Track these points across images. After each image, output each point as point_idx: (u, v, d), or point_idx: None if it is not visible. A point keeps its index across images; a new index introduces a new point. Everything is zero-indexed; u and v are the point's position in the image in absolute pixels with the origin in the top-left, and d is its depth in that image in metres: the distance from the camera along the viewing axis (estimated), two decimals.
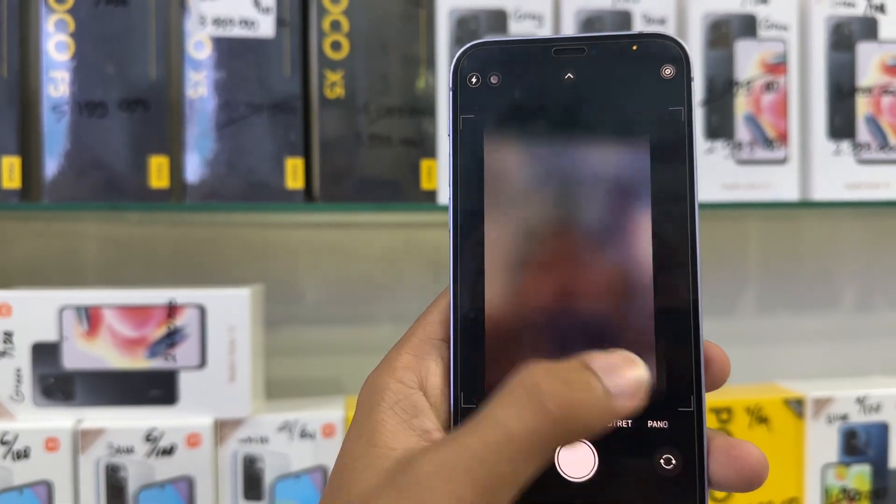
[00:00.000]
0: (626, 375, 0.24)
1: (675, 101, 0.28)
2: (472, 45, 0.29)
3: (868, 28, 0.73)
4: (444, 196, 0.68)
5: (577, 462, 0.26)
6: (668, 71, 0.28)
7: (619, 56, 0.28)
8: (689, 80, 0.28)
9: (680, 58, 0.28)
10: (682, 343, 0.27)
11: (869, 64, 0.73)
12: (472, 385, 0.27)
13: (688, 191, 0.27)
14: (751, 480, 0.26)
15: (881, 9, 0.73)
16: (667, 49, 0.28)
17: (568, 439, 0.24)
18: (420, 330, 0.29)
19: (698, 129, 0.71)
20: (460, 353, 0.28)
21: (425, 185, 0.69)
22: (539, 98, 0.29)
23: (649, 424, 0.26)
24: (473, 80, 0.29)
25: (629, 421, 0.26)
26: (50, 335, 0.63)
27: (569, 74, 0.29)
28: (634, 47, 0.28)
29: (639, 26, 0.70)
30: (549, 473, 0.26)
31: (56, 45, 0.65)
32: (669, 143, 0.28)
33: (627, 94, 0.28)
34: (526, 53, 0.29)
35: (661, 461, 0.26)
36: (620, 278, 0.27)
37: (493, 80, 0.29)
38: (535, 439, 0.23)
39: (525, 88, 0.29)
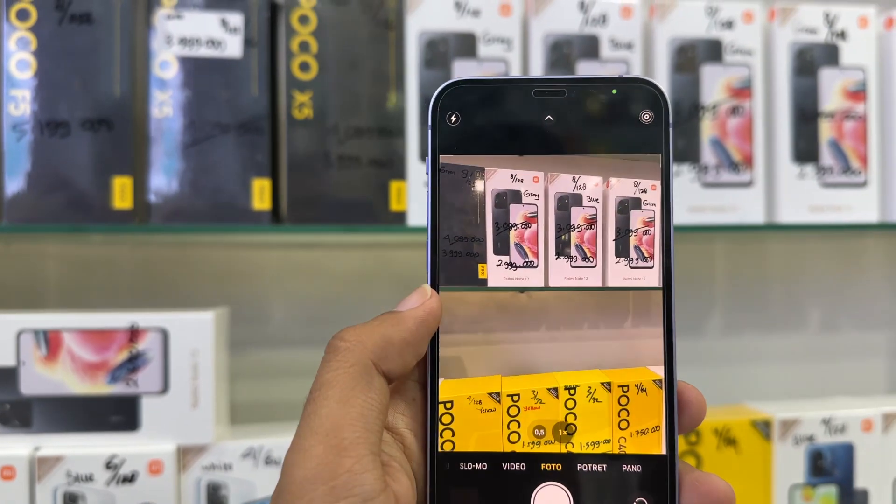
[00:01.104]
0: (410, 296, 0.29)
1: (653, 146, 0.28)
2: (451, 83, 0.29)
3: (830, 54, 0.74)
4: (414, 217, 0.68)
5: None
6: (646, 116, 0.28)
7: (599, 99, 0.28)
8: (668, 125, 0.28)
9: (659, 103, 0.28)
10: (656, 387, 0.27)
11: (831, 89, 0.74)
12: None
13: (663, 230, 0.28)
14: None
15: (842, 35, 0.75)
16: (646, 94, 0.28)
17: (380, 356, 0.27)
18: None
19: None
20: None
21: (395, 206, 0.68)
22: (518, 137, 0.28)
23: (623, 468, 0.26)
24: (452, 118, 0.29)
25: (604, 465, 0.26)
26: (7, 360, 0.61)
27: (548, 116, 0.28)
28: (614, 91, 0.28)
29: (606, 51, 0.71)
30: None
31: (17, 63, 0.64)
32: (648, 184, 0.28)
33: (606, 137, 0.28)
34: (506, 93, 0.29)
35: None
36: (596, 312, 0.27)
37: (472, 118, 0.29)
38: (348, 373, 0.27)
39: (504, 127, 0.29)
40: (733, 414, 0.72)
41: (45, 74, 0.64)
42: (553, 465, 0.26)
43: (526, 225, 0.28)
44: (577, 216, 0.28)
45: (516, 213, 0.28)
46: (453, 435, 0.27)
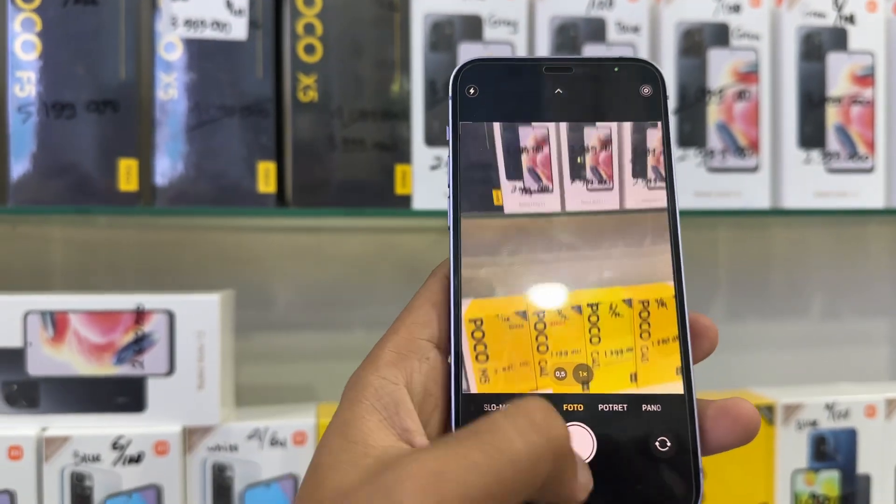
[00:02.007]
0: (584, 473, 0.25)
1: (654, 115, 0.31)
2: (470, 61, 0.32)
3: (838, 38, 0.74)
4: (419, 201, 0.68)
5: (577, 445, 0.27)
6: (646, 90, 0.31)
7: (603, 76, 0.31)
8: (665, 97, 0.31)
9: (656, 79, 0.31)
10: (674, 300, 0.29)
11: (839, 74, 0.74)
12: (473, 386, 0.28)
13: (667, 185, 0.30)
14: (747, 432, 0.27)
15: (851, 20, 0.74)
16: (645, 72, 0.31)
17: (559, 467, 0.23)
18: (404, 330, 0.28)
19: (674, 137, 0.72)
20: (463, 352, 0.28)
21: (399, 189, 0.68)
22: (530, 107, 0.31)
23: (643, 409, 0.28)
24: (471, 91, 0.31)
25: (624, 405, 0.28)
26: (14, 341, 0.61)
27: (558, 89, 0.31)
28: (616, 69, 0.31)
29: (612, 34, 0.70)
30: None
31: (23, 45, 0.64)
32: (648, 150, 0.31)
33: (610, 107, 0.31)
34: (519, 70, 0.31)
35: (657, 443, 0.27)
36: (611, 272, 0.29)
37: (488, 91, 0.31)
38: (535, 462, 0.22)
39: (518, 99, 0.31)
40: None
41: (50, 56, 0.64)
42: (582, 372, 0.28)
43: (538, 149, 0.30)
44: (592, 137, 0.31)
45: (527, 137, 0.31)
46: (486, 349, 0.28)
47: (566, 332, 0.28)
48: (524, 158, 0.30)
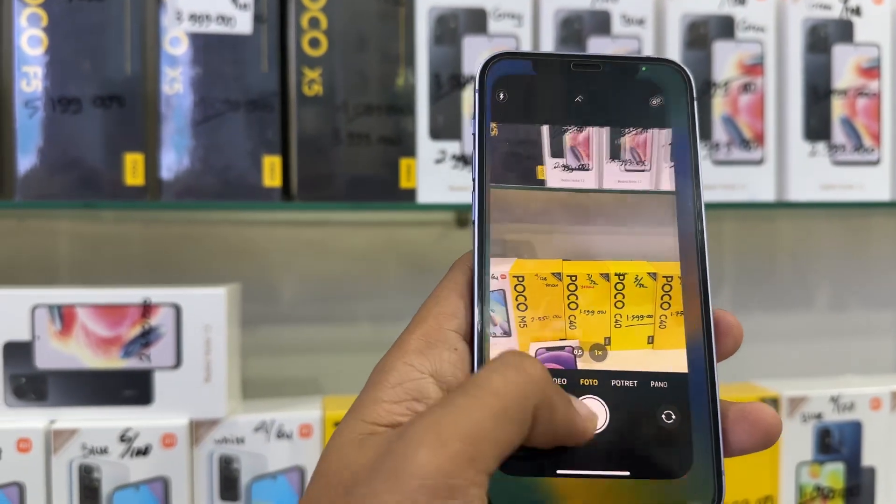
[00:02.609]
0: (589, 407, 0.27)
1: (679, 117, 0.32)
2: (498, 55, 0.32)
3: (844, 30, 0.74)
4: (424, 195, 0.68)
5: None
6: (670, 93, 0.32)
7: (630, 74, 0.32)
8: (693, 98, 0.32)
9: (682, 79, 0.32)
10: (693, 276, 0.30)
11: (844, 66, 0.74)
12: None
13: (692, 177, 0.31)
14: (768, 437, 0.28)
15: (857, 11, 0.74)
16: (671, 72, 0.32)
17: (539, 406, 0.25)
18: (432, 319, 0.28)
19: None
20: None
21: (404, 183, 0.69)
22: (559, 103, 0.32)
23: (652, 385, 0.29)
24: (498, 86, 0.32)
25: (634, 381, 0.29)
26: (22, 334, 0.62)
27: (586, 86, 0.32)
28: (643, 68, 0.32)
29: (617, 27, 0.70)
30: None
31: (29, 40, 0.64)
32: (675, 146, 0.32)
33: (636, 107, 0.32)
34: (546, 65, 0.32)
35: (669, 422, 0.28)
36: (635, 261, 0.30)
37: (516, 86, 0.32)
38: (519, 397, 0.24)
39: (545, 94, 0.32)
40: (741, 392, 0.72)
41: (56, 51, 0.64)
42: (600, 336, 0.29)
43: (579, 132, 0.32)
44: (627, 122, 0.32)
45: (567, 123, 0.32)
46: (526, 300, 0.30)
47: (594, 294, 0.30)
48: (566, 138, 0.32)
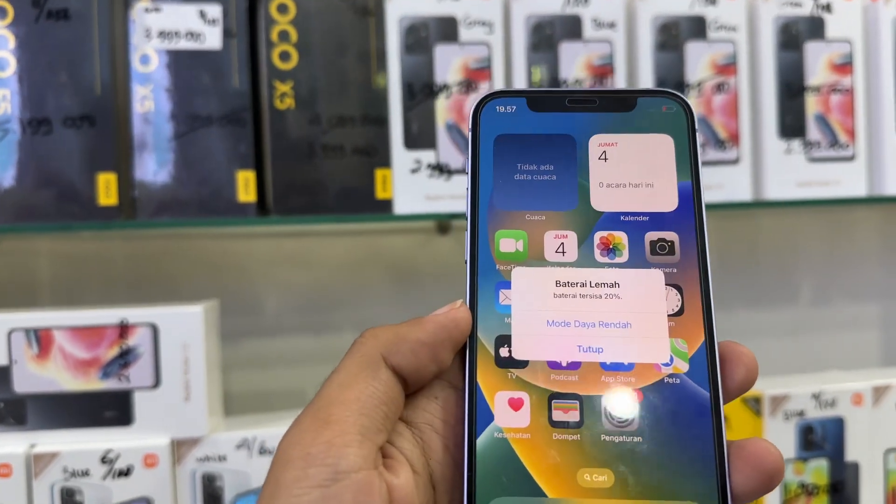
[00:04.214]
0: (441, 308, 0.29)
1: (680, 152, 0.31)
2: (491, 94, 0.32)
3: (815, 27, 0.74)
4: (400, 205, 0.68)
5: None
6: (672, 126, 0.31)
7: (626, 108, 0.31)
8: (693, 132, 0.31)
9: (683, 113, 0.31)
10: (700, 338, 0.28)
11: (817, 63, 0.74)
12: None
13: (695, 208, 0.30)
14: (770, 477, 0.26)
15: (828, 8, 0.74)
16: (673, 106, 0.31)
17: (390, 350, 0.28)
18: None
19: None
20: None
21: (381, 194, 0.68)
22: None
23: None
24: (491, 122, 0.31)
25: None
26: None
27: (581, 122, 0.31)
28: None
29: (589, 31, 0.70)
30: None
31: None
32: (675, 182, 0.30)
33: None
34: (541, 102, 0.32)
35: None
36: (632, 293, 0.29)
37: (509, 122, 0.31)
38: (356, 361, 0.27)
39: (539, 129, 0.31)
40: None
41: (25, 72, 0.64)
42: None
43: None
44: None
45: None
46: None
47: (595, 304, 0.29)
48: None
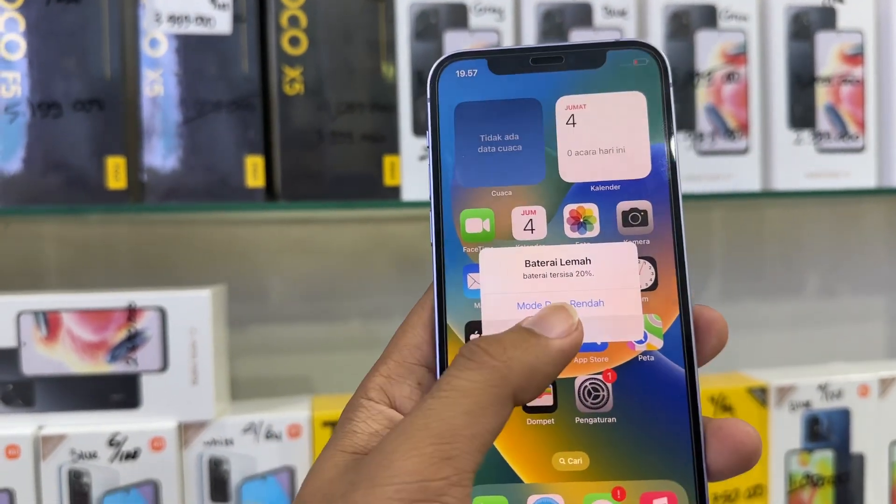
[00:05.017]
0: (553, 319, 0.25)
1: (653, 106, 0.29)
2: (448, 56, 0.29)
3: (826, 17, 0.73)
4: (408, 192, 0.68)
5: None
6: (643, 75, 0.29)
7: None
8: (668, 88, 0.29)
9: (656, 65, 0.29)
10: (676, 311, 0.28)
11: (828, 53, 0.73)
12: None
13: (669, 173, 0.29)
14: (747, 459, 0.26)
15: None
16: (641, 56, 0.29)
17: (522, 387, 0.24)
18: (396, 353, 0.28)
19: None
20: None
21: (389, 181, 0.68)
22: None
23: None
24: (451, 89, 0.29)
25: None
26: (8, 341, 0.62)
27: (546, 82, 0.29)
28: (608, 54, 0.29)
29: (599, 18, 0.70)
30: None
31: (7, 45, 0.64)
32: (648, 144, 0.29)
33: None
34: (503, 63, 0.29)
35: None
36: (604, 269, 0.28)
37: (470, 88, 0.29)
38: (487, 391, 0.24)
39: (503, 95, 0.29)
40: (729, 381, 0.72)
41: (35, 55, 0.64)
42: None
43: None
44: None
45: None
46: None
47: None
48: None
